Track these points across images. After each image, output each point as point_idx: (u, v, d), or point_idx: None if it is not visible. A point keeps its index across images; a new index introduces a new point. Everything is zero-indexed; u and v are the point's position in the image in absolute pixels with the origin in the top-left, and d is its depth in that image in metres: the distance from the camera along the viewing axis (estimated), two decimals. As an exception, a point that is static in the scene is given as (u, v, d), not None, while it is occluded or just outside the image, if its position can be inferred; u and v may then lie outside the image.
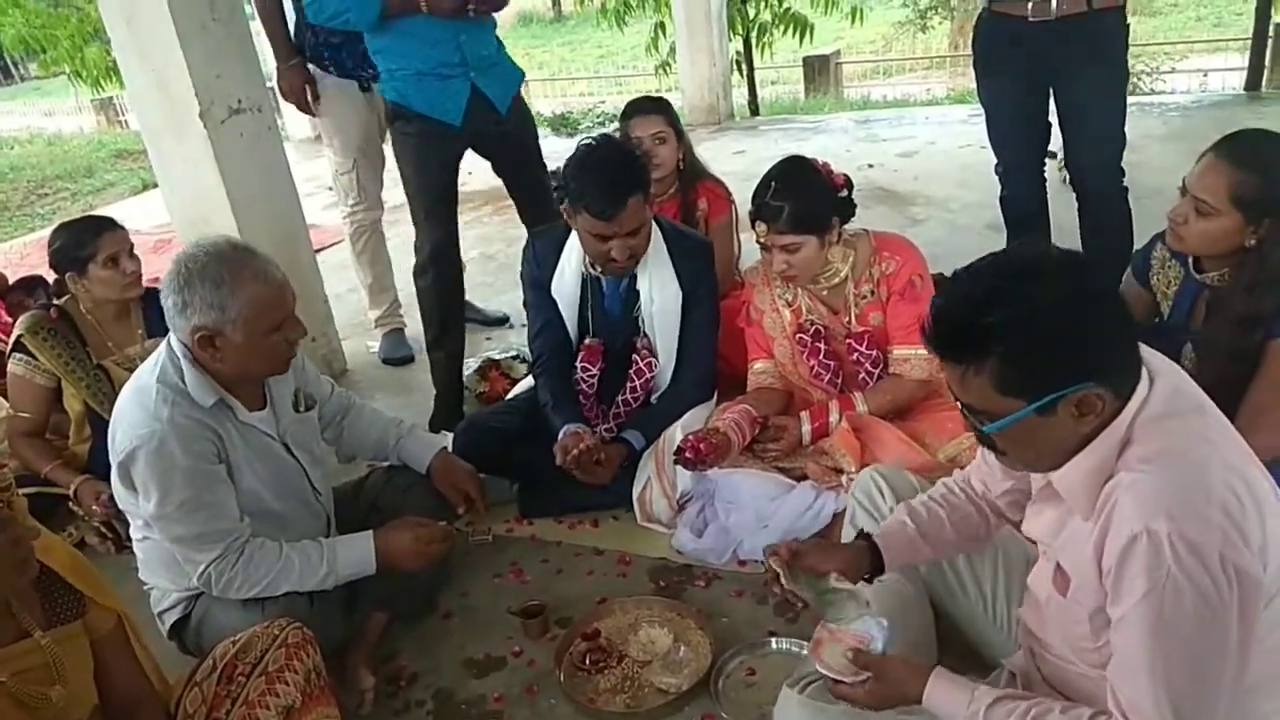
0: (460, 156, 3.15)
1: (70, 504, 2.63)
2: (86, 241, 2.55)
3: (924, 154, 6.03)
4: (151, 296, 2.58)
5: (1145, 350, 1.25)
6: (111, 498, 2.40)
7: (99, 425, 2.61)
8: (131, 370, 2.57)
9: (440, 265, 3.16)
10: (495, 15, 3.08)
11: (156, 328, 2.63)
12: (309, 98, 3.48)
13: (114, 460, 1.88)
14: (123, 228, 2.63)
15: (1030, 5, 2.85)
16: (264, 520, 1.99)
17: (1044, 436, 1.23)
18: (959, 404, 1.28)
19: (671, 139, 3.05)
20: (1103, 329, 1.18)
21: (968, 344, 1.21)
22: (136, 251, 2.67)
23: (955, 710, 1.31)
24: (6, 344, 3.43)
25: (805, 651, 1.79)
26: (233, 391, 1.93)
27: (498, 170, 3.31)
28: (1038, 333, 1.16)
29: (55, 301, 2.73)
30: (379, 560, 2.01)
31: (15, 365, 2.62)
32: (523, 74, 3.28)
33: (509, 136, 3.16)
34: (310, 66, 3.46)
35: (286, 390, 2.08)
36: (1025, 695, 1.32)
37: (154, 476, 1.83)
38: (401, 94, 2.99)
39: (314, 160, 6.71)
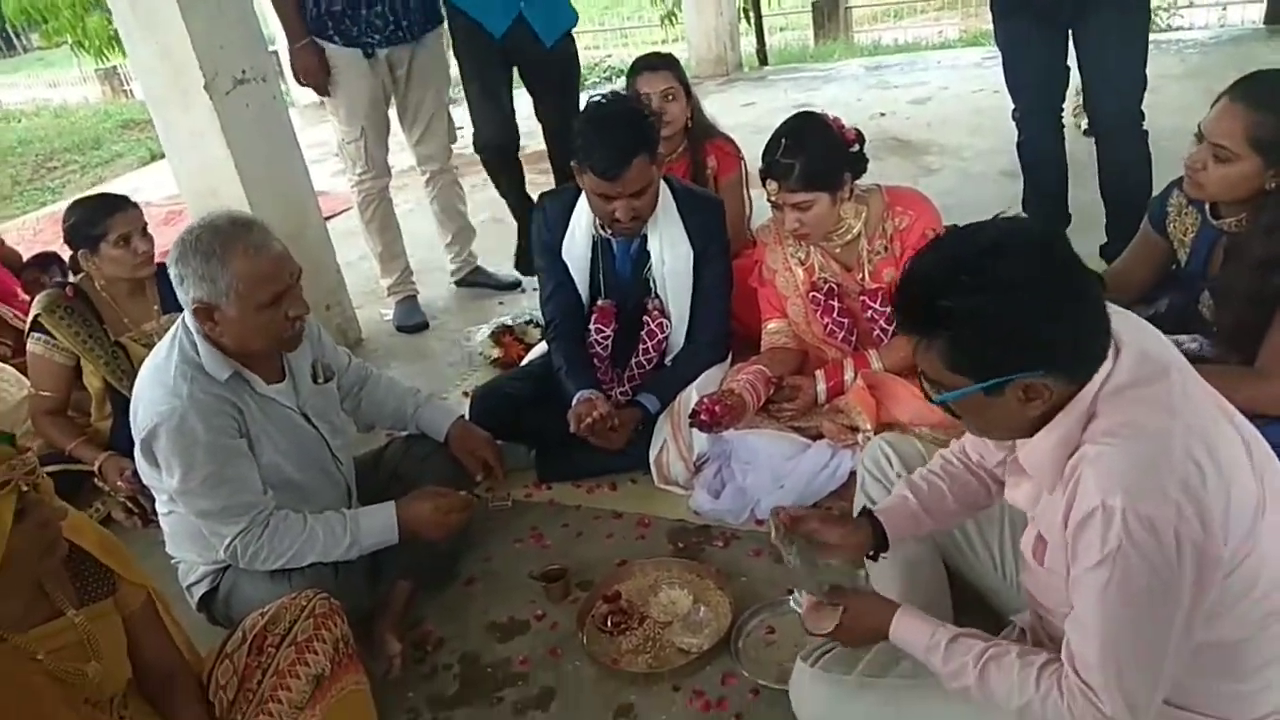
0: (506, 66, 3.50)
1: (95, 480, 2.66)
2: (98, 220, 2.56)
3: (937, 100, 5.93)
4: (165, 272, 2.60)
5: (1113, 314, 1.24)
6: (135, 473, 2.44)
7: (119, 402, 2.63)
8: (149, 346, 2.59)
9: (492, 149, 3.62)
10: None
11: (171, 303, 2.64)
12: (325, 77, 3.40)
13: (136, 438, 1.90)
14: (136, 206, 2.63)
15: None
16: (286, 491, 2.01)
17: (993, 413, 1.26)
18: (917, 369, 1.31)
19: (680, 95, 3.01)
20: (1061, 319, 1.17)
21: (920, 320, 1.23)
22: (148, 225, 2.67)
23: (918, 642, 1.38)
24: (25, 322, 3.46)
25: None
26: (249, 365, 1.94)
27: (535, 99, 3.58)
28: (987, 321, 1.17)
29: (70, 279, 2.74)
30: (401, 530, 2.03)
31: (34, 344, 2.64)
32: (576, 16, 3.56)
33: (549, 66, 3.46)
34: (314, 38, 3.36)
35: (305, 362, 2.09)
36: (986, 636, 1.36)
37: (176, 453, 1.85)
38: None
39: (320, 126, 6.68)
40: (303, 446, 2.05)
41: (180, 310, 2.50)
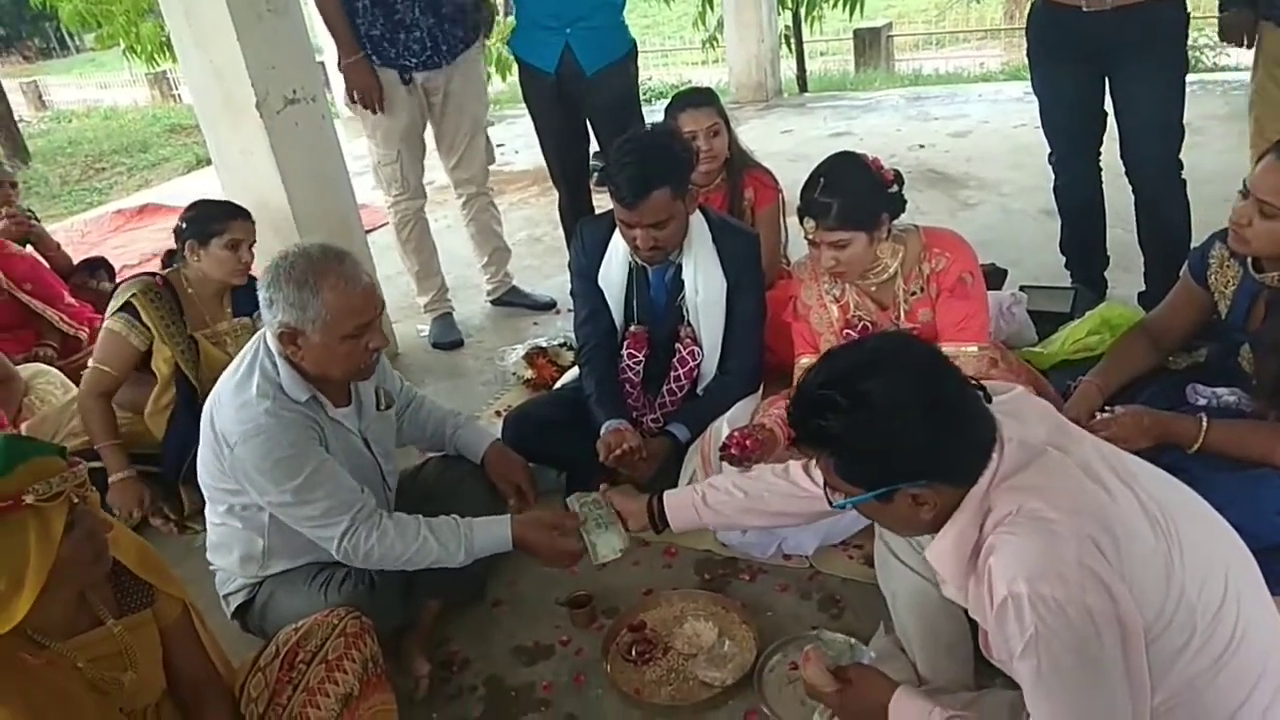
0: (566, 101, 3.54)
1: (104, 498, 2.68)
2: (220, 218, 2.68)
3: (977, 134, 5.90)
4: (248, 283, 2.71)
5: (996, 408, 1.31)
6: (153, 501, 2.65)
7: (184, 391, 2.71)
8: (218, 345, 2.73)
9: (561, 186, 3.81)
10: None
11: (241, 309, 2.79)
12: (379, 93, 3.40)
13: (217, 454, 1.93)
14: (253, 222, 2.76)
15: None
16: None
17: (890, 516, 1.34)
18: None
19: (723, 130, 3.04)
20: (934, 436, 1.23)
21: (808, 438, 1.32)
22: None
23: None
24: (72, 326, 3.55)
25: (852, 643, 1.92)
26: (321, 389, 1.98)
27: (593, 126, 3.65)
28: (863, 440, 1.25)
29: (161, 272, 2.81)
30: (515, 545, 2.01)
31: (114, 322, 2.69)
32: (630, 45, 3.57)
33: (596, 95, 3.50)
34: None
35: (370, 388, 2.13)
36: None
37: (264, 469, 1.86)
38: (514, 43, 3.63)
39: (363, 137, 6.77)
40: (360, 471, 2.06)
41: (248, 315, 2.68)
